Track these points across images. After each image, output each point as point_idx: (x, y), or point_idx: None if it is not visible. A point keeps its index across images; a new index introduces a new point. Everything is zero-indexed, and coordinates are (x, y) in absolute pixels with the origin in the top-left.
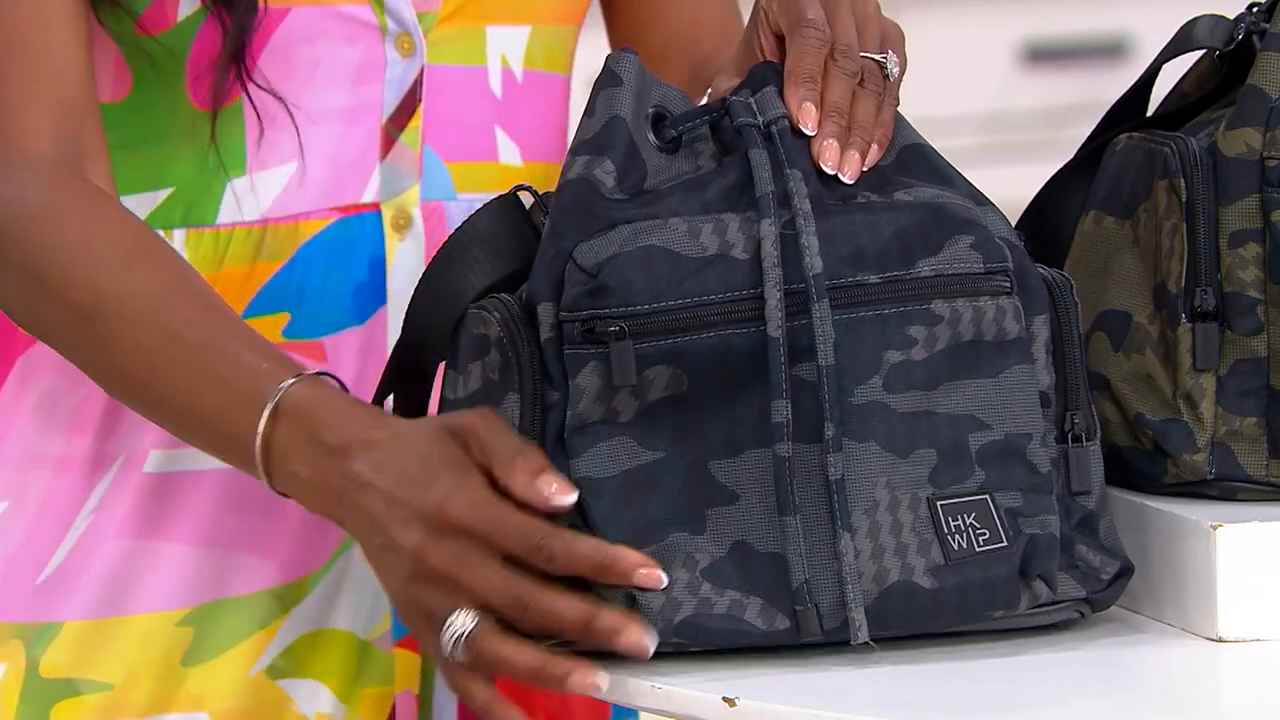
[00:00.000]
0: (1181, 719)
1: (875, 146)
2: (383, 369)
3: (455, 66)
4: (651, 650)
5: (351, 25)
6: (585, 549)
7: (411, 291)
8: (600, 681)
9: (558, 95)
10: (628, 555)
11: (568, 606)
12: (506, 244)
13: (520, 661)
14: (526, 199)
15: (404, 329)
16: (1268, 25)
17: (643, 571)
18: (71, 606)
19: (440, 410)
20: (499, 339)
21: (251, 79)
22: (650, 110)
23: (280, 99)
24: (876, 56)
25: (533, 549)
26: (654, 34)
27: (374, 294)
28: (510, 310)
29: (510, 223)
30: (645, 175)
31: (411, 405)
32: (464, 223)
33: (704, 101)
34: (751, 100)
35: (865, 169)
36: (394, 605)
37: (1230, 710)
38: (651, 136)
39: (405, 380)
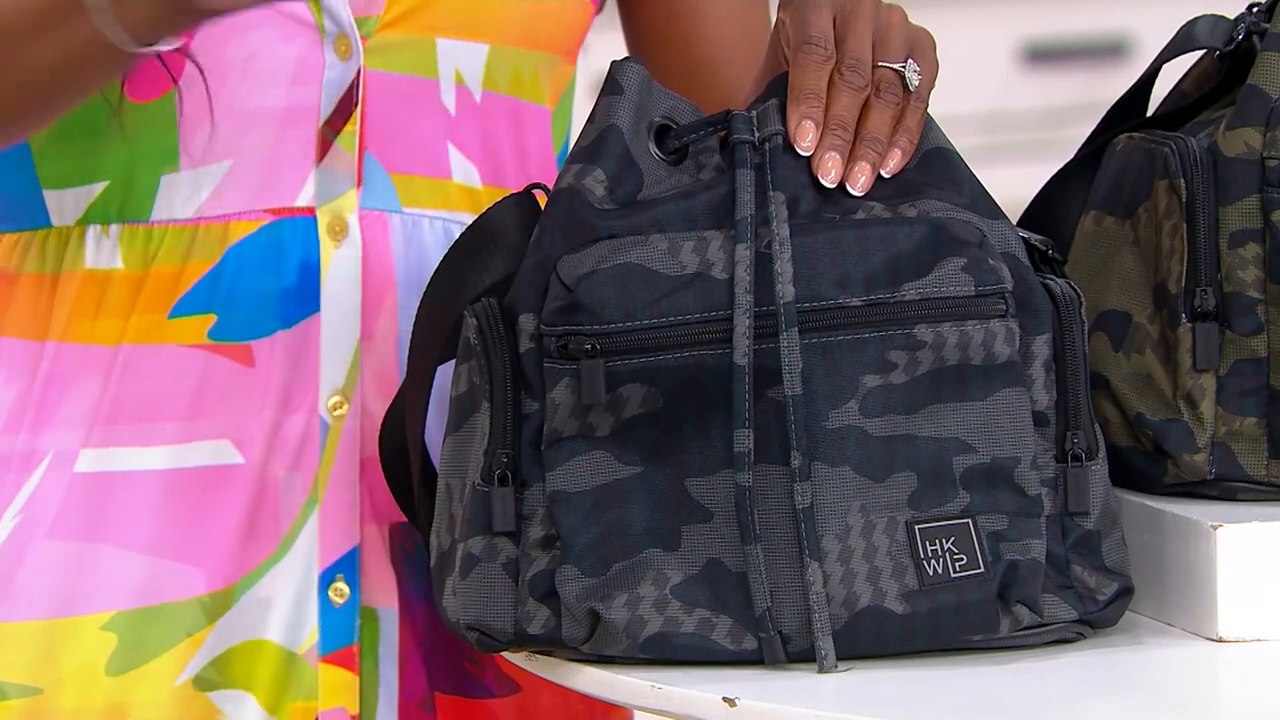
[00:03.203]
0: (1182, 719)
1: (899, 153)
2: (315, 374)
3: (401, 75)
4: None
5: (287, 22)
6: None
7: (348, 298)
8: None
9: (532, 125)
10: None
11: None
12: (515, 243)
13: None
14: (541, 199)
15: (414, 328)
16: (1268, 25)
17: None
18: (1, 608)
19: (450, 407)
20: (475, 345)
21: (188, 53)
22: (656, 121)
23: (199, 66)
24: (895, 66)
25: None
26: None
27: (304, 299)
28: (489, 316)
29: (521, 222)
30: (641, 185)
31: (413, 406)
32: (477, 218)
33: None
34: (754, 114)
35: (888, 176)
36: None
37: (1230, 710)
38: (653, 147)
39: (415, 379)
